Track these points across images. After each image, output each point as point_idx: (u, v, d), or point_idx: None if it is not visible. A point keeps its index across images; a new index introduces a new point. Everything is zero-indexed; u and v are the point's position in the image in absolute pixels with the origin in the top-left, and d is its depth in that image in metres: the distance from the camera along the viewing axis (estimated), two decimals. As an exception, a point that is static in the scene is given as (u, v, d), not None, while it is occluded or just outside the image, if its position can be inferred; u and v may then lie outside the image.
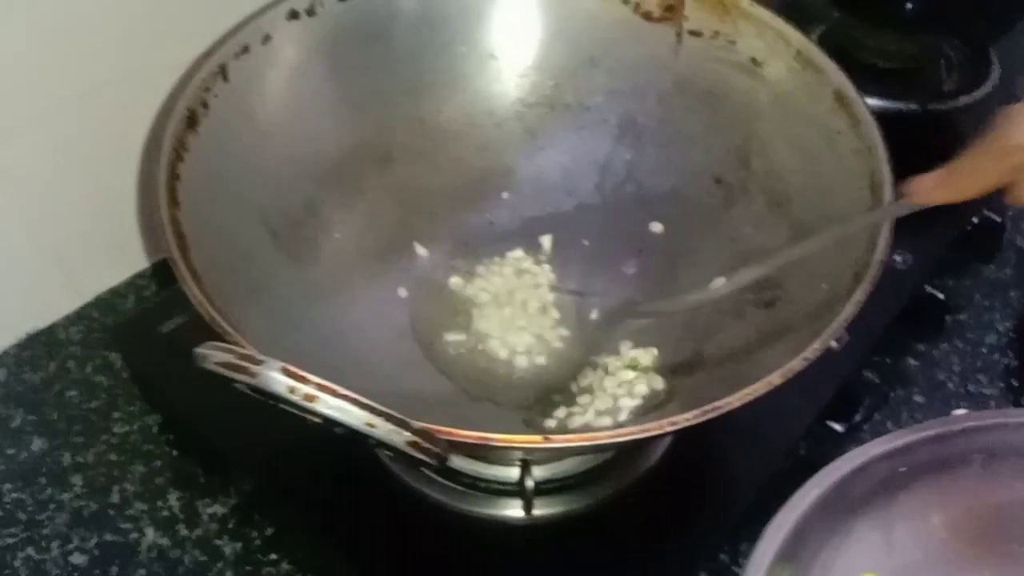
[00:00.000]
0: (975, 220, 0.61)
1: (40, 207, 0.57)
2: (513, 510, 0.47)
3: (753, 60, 0.51)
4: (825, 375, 0.50)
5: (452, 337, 0.52)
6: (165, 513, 0.53)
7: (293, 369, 0.31)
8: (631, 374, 0.49)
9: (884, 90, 0.63)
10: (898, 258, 0.57)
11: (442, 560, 0.47)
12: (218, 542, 0.51)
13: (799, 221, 0.48)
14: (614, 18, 0.53)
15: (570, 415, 0.48)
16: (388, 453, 0.37)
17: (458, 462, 0.46)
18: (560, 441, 0.35)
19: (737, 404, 0.36)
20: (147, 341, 0.55)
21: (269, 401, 0.34)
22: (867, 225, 0.42)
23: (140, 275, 0.64)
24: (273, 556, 0.51)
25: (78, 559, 0.51)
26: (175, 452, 0.55)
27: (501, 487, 0.47)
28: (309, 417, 0.33)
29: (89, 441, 0.56)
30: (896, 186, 0.43)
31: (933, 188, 0.41)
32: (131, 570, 0.50)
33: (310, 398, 0.31)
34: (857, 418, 0.54)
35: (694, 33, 0.52)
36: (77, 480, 0.54)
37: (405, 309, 0.52)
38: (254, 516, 0.52)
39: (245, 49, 0.48)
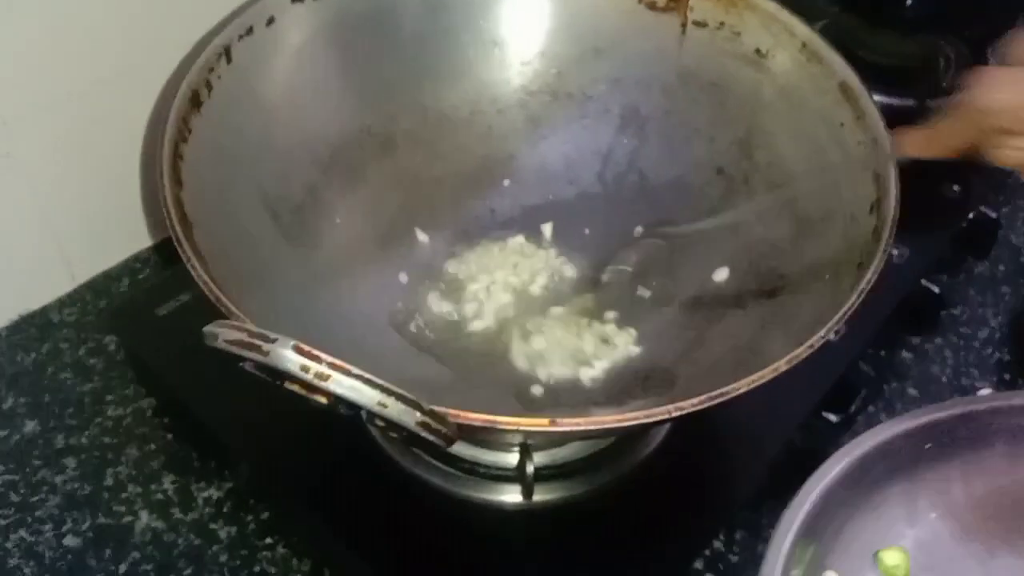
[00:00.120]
0: (971, 216, 0.61)
1: (37, 190, 0.57)
2: (512, 495, 0.47)
3: (758, 51, 0.51)
4: (824, 366, 0.51)
5: (447, 318, 0.52)
6: (159, 496, 0.52)
7: (306, 347, 0.31)
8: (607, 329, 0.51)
9: (882, 87, 0.63)
10: (895, 252, 0.57)
11: (439, 544, 0.47)
12: (213, 526, 0.51)
13: (802, 212, 0.48)
14: (619, 8, 0.54)
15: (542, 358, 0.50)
16: (392, 435, 0.37)
17: (458, 447, 0.46)
18: (567, 425, 0.35)
19: (744, 390, 0.36)
20: (143, 324, 0.54)
21: (274, 381, 0.34)
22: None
23: (134, 258, 0.64)
24: (268, 540, 0.50)
25: (71, 541, 0.50)
26: (169, 435, 0.55)
27: (500, 472, 0.48)
28: (314, 397, 0.33)
29: (82, 424, 0.55)
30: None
31: (912, 143, 0.43)
32: (125, 553, 0.50)
33: (323, 376, 0.31)
34: (852, 409, 0.55)
35: (699, 24, 0.52)
36: (70, 463, 0.53)
37: (405, 294, 0.52)
38: (249, 500, 0.52)
39: (249, 31, 0.48)
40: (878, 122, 0.45)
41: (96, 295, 0.61)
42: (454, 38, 0.54)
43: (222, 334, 0.31)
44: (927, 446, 0.43)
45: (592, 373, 0.49)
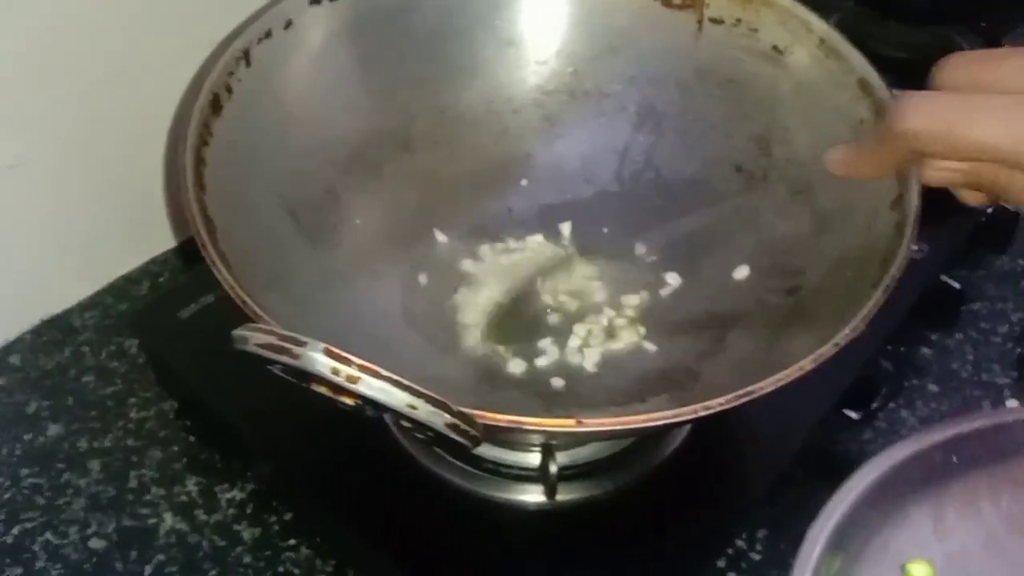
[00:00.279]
0: (990, 211, 0.61)
1: (56, 194, 0.57)
2: (534, 495, 0.48)
3: (775, 48, 0.51)
4: (843, 363, 0.50)
5: (466, 318, 0.52)
6: (183, 498, 0.52)
7: (336, 350, 0.31)
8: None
9: (894, 81, 0.63)
10: (915, 247, 0.57)
11: (463, 544, 0.47)
12: (236, 527, 0.51)
13: (821, 209, 0.48)
14: (635, 5, 0.53)
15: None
16: (418, 436, 0.37)
17: (480, 448, 0.46)
18: (593, 425, 0.35)
19: (770, 389, 0.36)
20: (165, 326, 0.55)
21: (300, 384, 0.34)
22: None
23: (153, 261, 0.64)
24: (292, 541, 0.51)
25: (96, 544, 0.51)
26: (192, 437, 0.55)
27: (523, 472, 0.48)
28: (341, 399, 0.33)
29: (106, 427, 0.55)
30: None
31: (842, 163, 0.44)
32: (150, 555, 0.50)
33: (353, 379, 0.31)
34: (873, 406, 0.55)
35: (715, 20, 0.52)
36: (94, 465, 0.54)
37: (424, 293, 0.52)
38: (272, 501, 0.52)
39: (268, 34, 0.48)
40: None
41: (116, 298, 0.62)
42: (470, 38, 0.54)
43: (252, 338, 0.32)
44: (954, 458, 0.43)
45: (613, 371, 0.49)
